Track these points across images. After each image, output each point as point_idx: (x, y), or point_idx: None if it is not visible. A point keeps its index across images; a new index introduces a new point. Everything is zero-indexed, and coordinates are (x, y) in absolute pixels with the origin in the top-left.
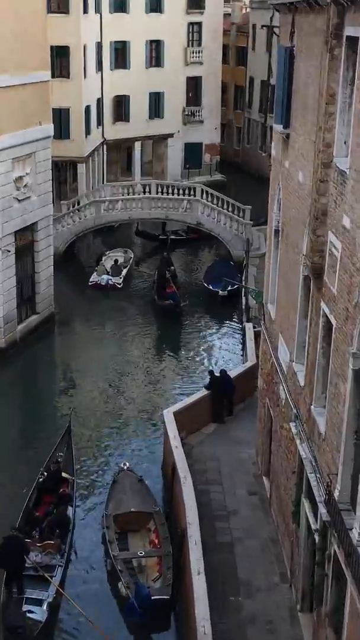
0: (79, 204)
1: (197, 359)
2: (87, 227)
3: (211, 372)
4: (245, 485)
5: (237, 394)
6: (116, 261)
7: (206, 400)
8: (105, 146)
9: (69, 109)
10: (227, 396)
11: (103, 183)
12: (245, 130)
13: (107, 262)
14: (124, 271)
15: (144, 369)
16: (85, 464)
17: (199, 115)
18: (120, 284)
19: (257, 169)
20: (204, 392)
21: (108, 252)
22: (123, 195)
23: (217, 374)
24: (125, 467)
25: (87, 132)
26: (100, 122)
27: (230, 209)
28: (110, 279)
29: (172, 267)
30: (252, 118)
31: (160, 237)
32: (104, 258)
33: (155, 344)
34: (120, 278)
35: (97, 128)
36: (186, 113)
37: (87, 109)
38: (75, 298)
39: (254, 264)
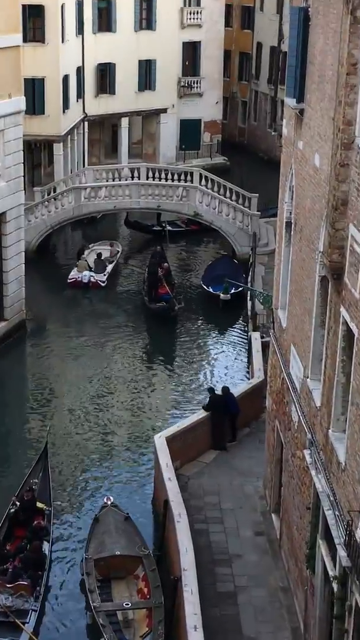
0: (55, 191)
1: (195, 374)
2: (65, 219)
3: (211, 390)
4: (250, 524)
5: (242, 415)
6: (99, 255)
7: (205, 424)
8: (86, 123)
9: (43, 80)
10: (229, 418)
11: (84, 167)
12: (252, 105)
13: (90, 257)
14: (109, 267)
15: (131, 386)
16: (63, 495)
17: (197, 87)
18: (104, 282)
19: (265, 150)
20: (202, 413)
21: (92, 245)
22: (107, 181)
23: (218, 392)
24: (108, 503)
25: (65, 106)
26: (80, 94)
27: (234, 197)
28: (93, 276)
29: (166, 264)
30: (260, 91)
31: (154, 228)
32: (86, 252)
33: (144, 355)
34: (105, 275)
35: (77, 102)
36: (182, 84)
37: (65, 79)
38: (51, 301)
39: (261, 263)
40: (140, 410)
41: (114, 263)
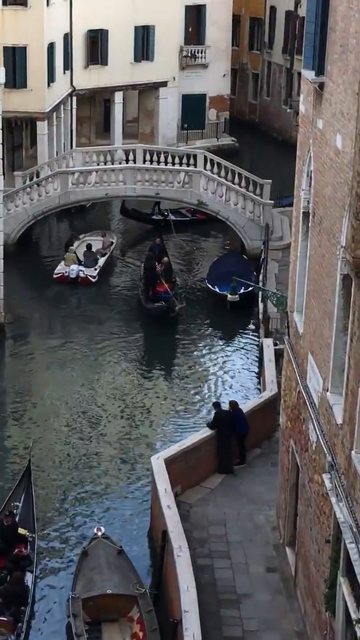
0: (38, 176)
1: (198, 386)
2: (49, 207)
3: (217, 405)
4: (261, 559)
5: (252, 434)
6: (89, 247)
7: (209, 444)
8: (74, 98)
9: (25, 48)
10: (237, 438)
11: (71, 148)
12: (265, 79)
13: (80, 249)
14: (101, 260)
15: (125, 399)
16: (46, 524)
17: (201, 58)
18: (94, 278)
19: (280, 130)
20: (206, 431)
21: (83, 235)
22: (98, 164)
23: (225, 408)
24: (99, 534)
25: (51, 79)
26: (68, 65)
27: (243, 184)
28: (82, 271)
29: (166, 259)
30: (274, 61)
31: (154, 217)
32: (75, 243)
33: (140, 364)
34: (96, 269)
35: (64, 74)
36: (185, 54)
37: (51, 47)
38: (34, 301)
39: (274, 259)
40: (135, 427)
41: (106, 256)
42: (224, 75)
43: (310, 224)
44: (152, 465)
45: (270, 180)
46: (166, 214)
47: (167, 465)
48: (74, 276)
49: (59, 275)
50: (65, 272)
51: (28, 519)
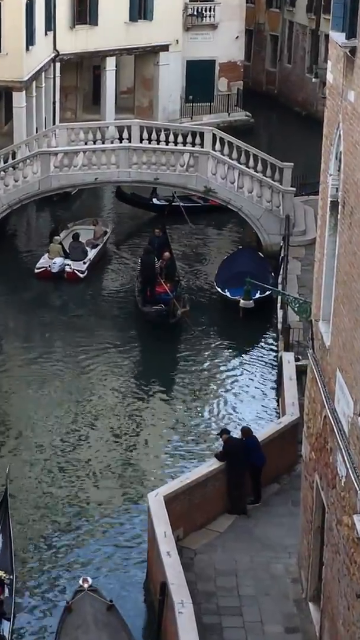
0: (14, 157)
1: (204, 409)
2: (28, 195)
3: (226, 432)
4: (280, 616)
5: (268, 467)
6: (76, 236)
7: (218, 478)
8: (58, 64)
9: None
10: (251, 471)
11: (54, 124)
12: (285, 42)
13: (68, 239)
14: (92, 253)
15: (117, 424)
16: (23, 572)
17: (210, 17)
18: (83, 273)
19: (303, 103)
20: (214, 463)
21: (71, 224)
22: (87, 143)
23: (237, 435)
24: (85, 586)
25: (30, 41)
26: (50, 25)
27: (259, 167)
28: (68, 264)
29: (167, 253)
30: (296, 21)
31: (158, 203)
32: (63, 232)
33: (136, 382)
34: (85, 263)
35: (46, 35)
36: (190, 12)
37: (30, 4)
38: (10, 304)
39: (296, 257)
40: (129, 457)
41: (98, 248)
42: (237, 37)
43: (339, 216)
44: (149, 503)
45: (292, 164)
46: (172, 199)
47: (167, 504)
48: (56, 270)
49: (41, 270)
50: (49, 266)
51: (4, 558)
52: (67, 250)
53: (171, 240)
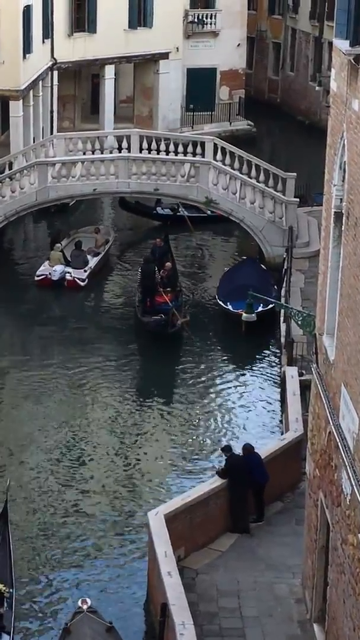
0: (11, 167)
1: (205, 425)
2: (25, 206)
3: (228, 449)
4: (284, 638)
5: (271, 485)
6: (78, 244)
7: (219, 496)
8: (56, 73)
9: None
10: (254, 489)
11: (52, 134)
12: (288, 49)
13: (70, 247)
14: (93, 261)
15: (117, 441)
16: (19, 593)
17: (211, 24)
18: (83, 281)
19: (306, 112)
20: (215, 481)
21: (73, 231)
22: (85, 153)
23: (238, 453)
24: (84, 607)
25: (27, 49)
26: (48, 33)
27: (262, 178)
28: (69, 272)
29: (169, 263)
30: (299, 28)
31: (161, 212)
32: (64, 241)
33: (135, 397)
34: (85, 271)
35: (43, 43)
36: (190, 19)
37: (27, 11)
38: (6, 317)
39: (300, 269)
40: (128, 475)
41: (100, 256)
42: (239, 45)
43: (343, 227)
44: (148, 522)
45: (295, 174)
46: (176, 208)
47: (168, 523)
48: (56, 278)
49: (42, 277)
50: (49, 273)
51: (4, 572)
52: (69, 258)
53: (174, 250)
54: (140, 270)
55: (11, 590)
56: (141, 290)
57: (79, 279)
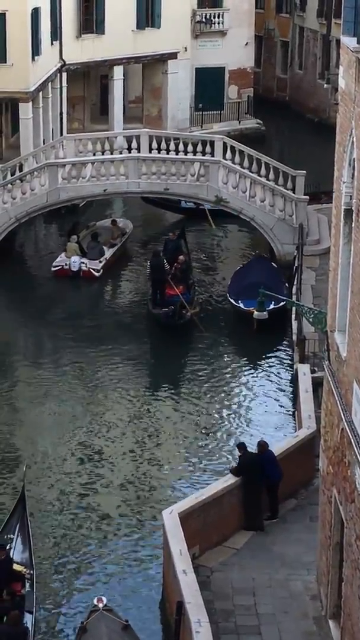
0: (22, 169)
1: (219, 423)
2: (36, 208)
3: (242, 447)
4: (299, 634)
5: (285, 482)
6: (94, 236)
7: (234, 494)
8: (65, 74)
9: (4, 15)
10: (268, 486)
11: (62, 135)
12: (296, 48)
13: (87, 239)
14: (109, 252)
15: (129, 439)
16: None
17: (219, 23)
18: (98, 271)
19: (315, 109)
20: (229, 479)
21: (92, 223)
22: (95, 154)
23: (252, 450)
24: (100, 606)
25: (36, 51)
26: (56, 35)
27: (271, 176)
28: (85, 263)
29: (182, 257)
30: (307, 27)
31: (185, 205)
32: (83, 232)
33: (147, 396)
34: (100, 262)
35: (52, 45)
36: (198, 19)
37: (35, 13)
38: (17, 321)
39: (311, 267)
40: (142, 474)
41: (115, 248)
42: (247, 44)
43: (353, 224)
44: (163, 521)
45: (305, 171)
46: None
47: (183, 522)
48: (76, 269)
49: (58, 268)
50: (65, 264)
51: (24, 555)
52: (85, 250)
53: (190, 244)
54: (149, 264)
55: (32, 572)
56: (151, 283)
57: (93, 269)
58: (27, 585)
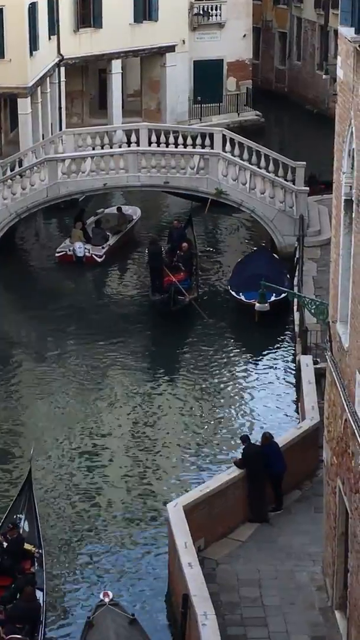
0: (21, 165)
1: (222, 416)
2: (36, 203)
3: (246, 439)
4: (305, 626)
5: (289, 474)
6: (98, 222)
7: (238, 486)
8: (63, 69)
9: (1, 10)
10: (272, 478)
11: (61, 130)
12: (294, 39)
13: (93, 225)
14: (113, 239)
15: (132, 432)
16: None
17: (216, 15)
18: (100, 257)
19: (314, 100)
20: (233, 471)
21: (100, 210)
22: (94, 148)
23: (256, 442)
24: (106, 600)
25: (33, 46)
26: (54, 29)
27: (271, 168)
28: (88, 249)
29: (185, 244)
30: (305, 17)
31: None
32: (90, 219)
33: (149, 387)
34: (103, 248)
35: (50, 40)
36: (196, 12)
37: (32, 8)
38: (18, 314)
39: (312, 258)
40: (146, 467)
41: (120, 234)
42: (245, 35)
43: (354, 214)
44: (168, 513)
45: (304, 163)
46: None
47: (187, 514)
48: (80, 255)
49: (62, 253)
50: (69, 250)
51: (32, 535)
52: (90, 235)
53: (195, 232)
54: (147, 251)
55: (40, 550)
56: (149, 270)
57: (96, 255)
58: (37, 563)
